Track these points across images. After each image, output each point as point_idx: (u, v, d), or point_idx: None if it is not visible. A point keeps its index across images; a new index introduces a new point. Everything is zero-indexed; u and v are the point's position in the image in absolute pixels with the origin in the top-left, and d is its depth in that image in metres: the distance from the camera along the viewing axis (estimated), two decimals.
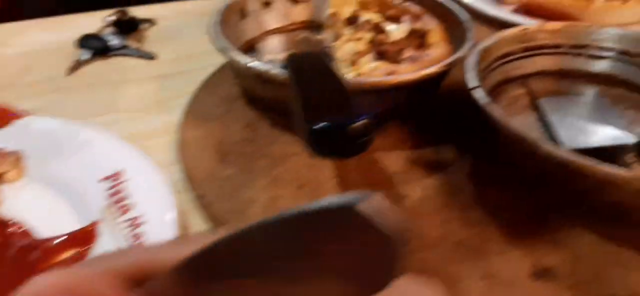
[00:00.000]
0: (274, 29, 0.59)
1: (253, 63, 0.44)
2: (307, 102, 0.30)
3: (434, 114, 0.47)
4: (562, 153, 0.35)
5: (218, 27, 0.49)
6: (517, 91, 0.50)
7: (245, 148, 0.44)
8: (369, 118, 0.28)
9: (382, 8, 0.56)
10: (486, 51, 0.46)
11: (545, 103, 0.47)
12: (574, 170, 0.34)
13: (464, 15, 0.51)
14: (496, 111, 0.38)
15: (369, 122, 0.28)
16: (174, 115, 0.49)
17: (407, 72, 0.43)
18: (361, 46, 0.51)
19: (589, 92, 0.50)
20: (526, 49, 0.49)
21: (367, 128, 0.28)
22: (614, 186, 0.34)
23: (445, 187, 0.41)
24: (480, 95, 0.40)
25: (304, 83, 0.33)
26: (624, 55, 0.50)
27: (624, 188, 0.34)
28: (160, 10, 0.70)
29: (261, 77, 0.44)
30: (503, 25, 0.61)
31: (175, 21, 0.67)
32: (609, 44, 0.50)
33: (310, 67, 0.37)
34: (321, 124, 0.27)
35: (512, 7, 0.67)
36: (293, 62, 0.38)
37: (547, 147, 0.35)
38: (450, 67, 0.43)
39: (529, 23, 0.61)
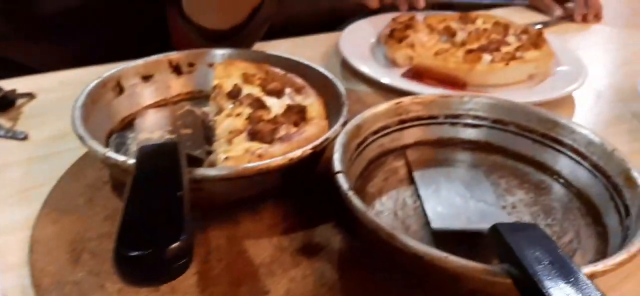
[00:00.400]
0: (155, 103, 0.57)
1: (110, 153, 0.41)
2: (125, 221, 0.28)
3: (310, 194, 0.46)
4: (414, 246, 0.34)
5: (80, 110, 0.46)
6: (396, 163, 0.50)
7: (101, 244, 0.40)
8: (187, 239, 0.26)
9: (266, 80, 0.55)
10: (359, 128, 0.46)
11: (419, 177, 0.47)
12: (427, 262, 0.34)
13: (341, 89, 0.51)
14: (355, 200, 0.37)
15: (186, 243, 0.26)
16: (35, 206, 0.45)
17: (275, 155, 0.42)
18: (239, 123, 0.49)
19: (466, 161, 0.51)
20: (402, 122, 0.50)
21: (184, 251, 0.26)
22: (466, 278, 0.34)
23: (312, 277, 0.39)
24: (342, 181, 0.39)
25: (137, 190, 0.31)
26: (497, 123, 0.51)
27: (476, 279, 0.33)
28: (43, 81, 0.66)
29: (118, 168, 0.41)
30: (395, 92, 0.62)
31: (57, 94, 0.63)
32: (483, 113, 0.51)
33: (154, 165, 0.35)
34: (131, 253, 0.25)
35: (403, 70, 0.68)
36: (140, 158, 0.36)
37: (401, 239, 0.34)
38: (316, 149, 0.42)
39: (420, 90, 0.63)
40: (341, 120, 0.46)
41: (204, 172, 0.40)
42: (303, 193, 0.47)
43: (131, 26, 0.75)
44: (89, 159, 0.50)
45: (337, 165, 0.40)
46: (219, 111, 0.53)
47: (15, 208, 0.46)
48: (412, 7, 0.87)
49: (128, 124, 0.54)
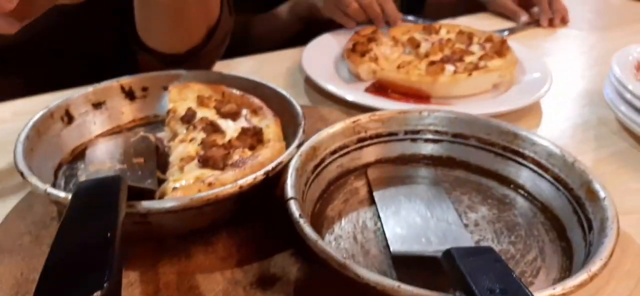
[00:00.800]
0: (108, 130, 0.55)
1: (50, 189, 0.39)
2: (47, 266, 0.26)
3: (267, 221, 0.44)
4: (365, 275, 0.32)
5: (23, 144, 0.44)
6: (357, 183, 0.48)
7: None
8: (111, 286, 0.24)
9: (221, 102, 0.54)
10: (315, 149, 0.45)
11: (379, 197, 0.46)
12: (379, 291, 0.32)
13: (297, 109, 0.50)
14: (306, 228, 0.35)
15: (109, 291, 0.24)
16: None
17: (226, 183, 0.40)
18: (192, 148, 0.47)
19: (428, 177, 0.49)
20: (361, 140, 0.48)
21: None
22: None
23: None
24: (293, 208, 0.37)
25: (65, 230, 0.29)
26: (458, 137, 0.50)
27: None
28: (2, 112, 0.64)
29: (62, 205, 0.39)
30: (359, 108, 0.61)
31: (8, 125, 0.60)
32: (443, 128, 0.50)
33: (89, 202, 0.33)
34: None
35: (366, 84, 0.67)
36: (75, 194, 0.34)
37: (353, 269, 0.33)
38: (268, 174, 0.41)
39: (384, 105, 0.61)
40: (296, 142, 0.45)
41: (148, 205, 0.38)
42: (259, 221, 0.45)
43: (87, 54, 0.72)
44: (36, 195, 0.47)
45: (289, 191, 0.39)
46: (174, 136, 0.51)
47: None
48: (389, 24, 0.86)
49: (79, 155, 0.51)
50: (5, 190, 0.50)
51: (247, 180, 0.40)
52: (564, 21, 0.98)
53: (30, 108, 0.62)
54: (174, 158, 0.47)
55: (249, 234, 0.44)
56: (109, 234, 0.29)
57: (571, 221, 0.42)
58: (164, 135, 0.54)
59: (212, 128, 0.50)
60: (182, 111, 0.53)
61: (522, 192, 0.47)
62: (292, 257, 0.41)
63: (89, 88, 0.54)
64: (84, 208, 0.33)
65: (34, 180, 0.40)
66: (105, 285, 0.24)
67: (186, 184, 0.42)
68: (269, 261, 0.41)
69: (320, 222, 0.44)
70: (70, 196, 0.38)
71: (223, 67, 0.75)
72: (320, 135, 0.46)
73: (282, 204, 0.39)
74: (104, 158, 0.49)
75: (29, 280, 0.39)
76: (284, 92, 0.53)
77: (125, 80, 0.56)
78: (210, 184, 0.41)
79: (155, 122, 0.57)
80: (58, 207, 0.44)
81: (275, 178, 0.43)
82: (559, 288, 0.32)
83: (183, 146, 0.48)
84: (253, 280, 0.39)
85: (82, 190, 0.36)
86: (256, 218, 0.45)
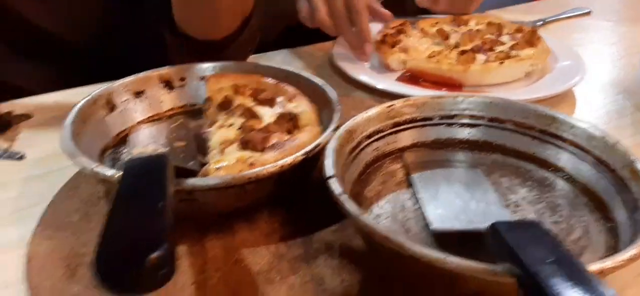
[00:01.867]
0: (148, 118, 0.56)
1: (97, 168, 0.41)
2: (106, 232, 0.27)
3: (307, 201, 0.45)
4: (411, 247, 0.33)
5: (70, 128, 0.46)
6: (393, 166, 0.49)
7: None
8: (167, 248, 0.25)
9: (256, 91, 0.55)
10: (351, 132, 0.45)
11: (417, 179, 0.46)
12: (425, 263, 0.32)
13: (332, 95, 0.50)
14: (348, 204, 0.36)
15: (166, 252, 0.25)
16: (30, 225, 0.44)
17: (267, 163, 0.41)
18: (231, 133, 0.49)
19: (465, 161, 0.50)
20: (396, 125, 0.49)
21: (164, 261, 0.25)
22: (467, 279, 0.32)
23: (312, 283, 0.38)
24: (334, 186, 0.38)
25: (119, 203, 0.30)
26: (494, 121, 0.50)
27: (478, 280, 0.32)
28: (39, 102, 0.66)
29: (109, 182, 0.41)
30: (392, 96, 0.61)
31: (53, 114, 0.63)
32: (478, 112, 0.50)
33: (139, 178, 0.34)
34: (111, 263, 0.24)
35: (398, 74, 0.67)
36: (125, 171, 0.35)
37: (397, 241, 0.33)
38: (308, 155, 0.42)
39: (416, 93, 0.62)
40: (333, 126, 0.45)
41: (194, 182, 0.39)
42: (300, 201, 0.46)
43: (124, 45, 0.75)
44: (83, 176, 0.49)
45: (329, 170, 0.39)
46: (212, 123, 0.52)
47: (11, 227, 0.45)
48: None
49: (122, 140, 0.53)
50: (51, 173, 0.52)
51: (288, 160, 0.41)
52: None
53: (71, 98, 0.64)
54: (214, 142, 0.48)
55: (290, 213, 0.45)
56: (160, 204, 0.30)
57: (615, 201, 0.42)
58: (202, 122, 0.55)
59: (250, 114, 0.51)
60: (219, 99, 0.54)
61: (562, 174, 0.47)
62: (335, 233, 0.42)
63: (129, 78, 0.56)
64: (135, 183, 0.34)
65: (82, 160, 0.42)
66: (164, 245, 0.25)
67: (228, 164, 0.43)
68: (311, 238, 0.42)
69: (358, 202, 0.44)
70: (117, 174, 0.39)
71: (254, 59, 0.77)
72: (355, 119, 0.46)
73: (322, 183, 0.39)
74: (146, 142, 0.51)
75: (79, 254, 0.41)
76: (317, 80, 0.54)
77: (164, 71, 0.58)
78: (251, 164, 0.42)
79: (192, 111, 0.58)
80: (105, 186, 0.46)
81: (314, 160, 0.44)
82: (609, 262, 0.32)
83: (222, 131, 0.49)
84: (297, 254, 0.40)
85: (131, 167, 0.37)
86: (296, 198, 0.46)
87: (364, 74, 0.67)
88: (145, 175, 0.35)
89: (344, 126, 0.45)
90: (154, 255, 0.25)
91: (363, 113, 0.47)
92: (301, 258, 0.40)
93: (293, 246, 0.41)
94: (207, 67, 0.59)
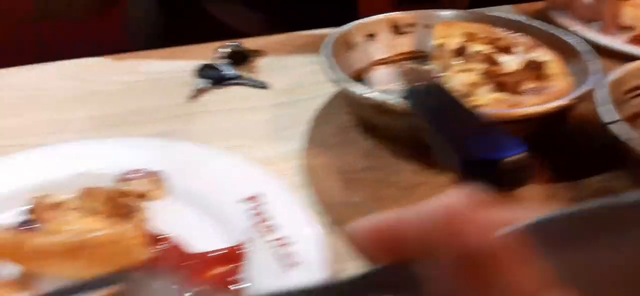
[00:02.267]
0: (379, 60, 0.61)
1: (370, 93, 0.45)
2: (453, 136, 0.31)
3: (562, 149, 0.46)
4: None
5: (331, 58, 0.52)
6: None
7: (368, 176, 0.45)
8: (524, 150, 0.28)
9: (491, 40, 0.56)
10: (615, 84, 0.45)
11: None
12: None
13: (583, 47, 0.51)
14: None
15: (523, 156, 0.28)
16: (293, 142, 0.50)
17: (533, 104, 0.43)
18: (474, 77, 0.51)
19: None
20: None
21: (522, 163, 0.28)
22: None
23: None
24: (622, 130, 0.38)
25: (439, 117, 0.34)
26: None
27: None
28: (263, 42, 0.73)
29: (379, 108, 0.45)
30: (617, 56, 0.59)
31: (282, 52, 0.70)
32: None
33: (437, 100, 0.38)
34: (477, 157, 0.28)
35: (626, 37, 0.65)
36: (416, 96, 0.39)
37: None
38: (580, 99, 0.43)
39: None
40: (595, 75, 0.45)
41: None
42: (554, 151, 0.45)
43: None
44: (333, 106, 0.54)
45: (609, 115, 0.39)
46: (446, 68, 0.55)
47: (275, 143, 0.51)
48: None
49: (356, 79, 0.58)
50: (295, 102, 0.58)
51: (562, 101, 0.42)
52: None
53: (291, 41, 0.70)
54: (455, 84, 0.51)
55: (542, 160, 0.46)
56: (482, 119, 0.33)
57: None
58: (430, 67, 0.58)
59: (490, 60, 0.53)
60: (452, 45, 0.57)
61: None
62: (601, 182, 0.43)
63: (360, 22, 0.59)
64: (435, 105, 0.38)
65: (352, 85, 0.47)
66: (520, 150, 0.29)
67: (486, 103, 0.46)
68: (574, 185, 0.43)
69: None
70: (389, 99, 0.44)
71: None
72: (618, 71, 0.45)
73: (597, 129, 0.40)
74: (385, 81, 0.55)
75: (349, 170, 0.46)
76: (557, 31, 0.54)
77: (393, 16, 0.61)
78: (513, 105, 0.45)
79: (418, 57, 0.61)
80: (362, 114, 0.51)
81: (570, 109, 0.45)
82: None
83: (464, 75, 0.52)
84: (568, 198, 0.41)
85: (417, 92, 0.41)
86: (546, 148, 0.47)
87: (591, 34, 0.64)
88: (437, 99, 0.39)
89: (609, 76, 0.44)
90: (516, 157, 0.28)
91: (624, 66, 0.46)
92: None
93: (561, 189, 0.42)
94: (435, 15, 0.62)
